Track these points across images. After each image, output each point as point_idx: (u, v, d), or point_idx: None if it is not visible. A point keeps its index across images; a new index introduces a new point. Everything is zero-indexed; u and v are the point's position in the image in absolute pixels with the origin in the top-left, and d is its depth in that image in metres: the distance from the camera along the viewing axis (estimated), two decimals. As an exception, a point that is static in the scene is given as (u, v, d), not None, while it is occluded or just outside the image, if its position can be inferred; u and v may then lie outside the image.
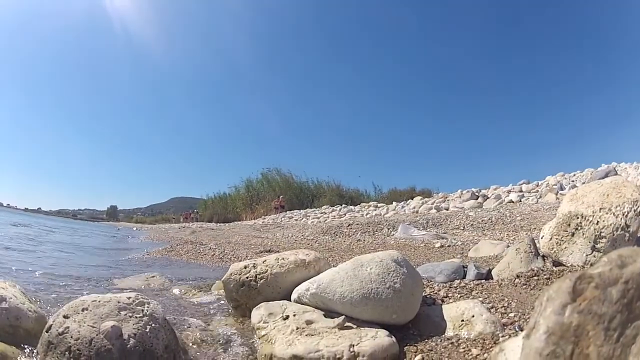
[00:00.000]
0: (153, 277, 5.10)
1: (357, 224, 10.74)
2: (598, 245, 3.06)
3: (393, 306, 2.38)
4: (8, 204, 79.37)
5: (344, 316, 2.39)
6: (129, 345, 2.01)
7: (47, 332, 2.07)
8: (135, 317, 2.16)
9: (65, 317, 2.09)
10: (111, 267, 6.82)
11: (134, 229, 29.24)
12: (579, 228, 3.17)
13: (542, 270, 3.02)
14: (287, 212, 24.20)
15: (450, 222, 9.78)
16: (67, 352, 1.96)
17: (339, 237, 9.82)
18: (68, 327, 2.03)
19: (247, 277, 3.13)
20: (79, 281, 5.09)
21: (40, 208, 78.83)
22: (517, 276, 2.99)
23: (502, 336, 2.16)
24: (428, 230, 9.08)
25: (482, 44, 69.38)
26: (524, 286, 2.84)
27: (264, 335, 2.46)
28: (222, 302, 3.68)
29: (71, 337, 2.00)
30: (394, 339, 2.22)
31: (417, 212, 14.70)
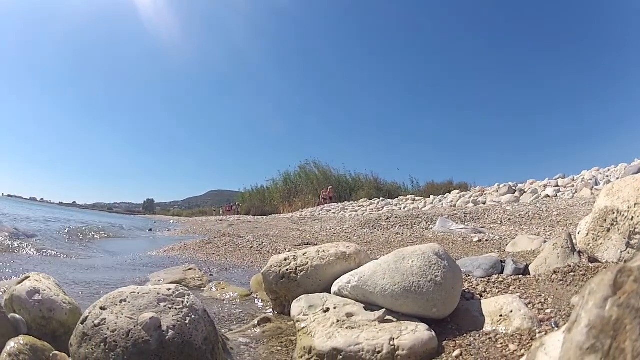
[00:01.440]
0: (190, 269, 5.11)
1: (396, 217, 10.68)
2: (632, 242, 2.98)
3: (434, 300, 2.39)
4: (42, 199, 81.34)
5: (384, 309, 2.41)
6: (167, 337, 2.00)
7: (82, 323, 2.06)
8: (175, 308, 2.15)
9: (102, 308, 2.09)
10: (145, 259, 6.97)
11: (171, 221, 29.56)
12: (615, 224, 3.10)
13: (578, 266, 2.98)
14: (325, 205, 24.25)
15: (487, 216, 9.66)
16: (102, 344, 1.95)
17: (378, 230, 9.79)
18: (105, 319, 2.02)
19: (287, 270, 3.15)
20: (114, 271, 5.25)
21: (75, 202, 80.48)
22: (554, 272, 2.96)
23: (539, 332, 2.16)
24: (466, 224, 8.99)
25: (517, 35, 67.79)
26: (561, 282, 2.81)
27: (303, 328, 2.46)
28: (260, 294, 3.74)
29: (107, 328, 1.98)
30: (433, 333, 2.23)
31: (454, 205, 14.55)
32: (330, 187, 27.55)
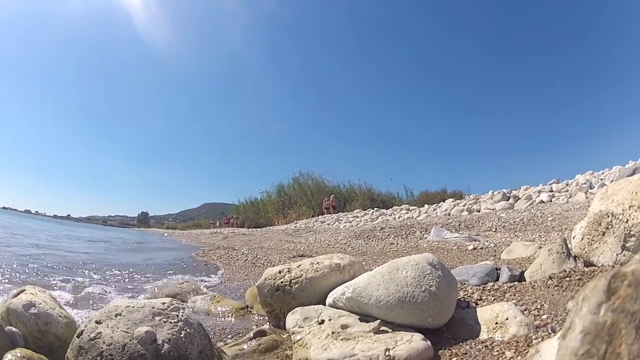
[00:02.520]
0: (185, 282, 5.08)
1: (390, 227, 10.70)
2: (628, 244, 2.97)
3: (429, 309, 2.38)
4: (37, 211, 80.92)
5: (379, 320, 2.41)
6: (163, 350, 2.01)
7: (78, 337, 2.07)
8: (170, 322, 2.16)
9: (98, 322, 2.10)
10: (140, 271, 6.93)
11: (165, 234, 29.44)
12: (610, 227, 3.10)
13: (573, 271, 2.98)
14: (326, 214, 24.27)
15: (482, 223, 9.67)
16: (98, 357, 1.96)
17: (372, 240, 9.79)
18: (100, 333, 2.04)
19: (281, 282, 3.15)
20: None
21: (69, 215, 79.87)
22: (550, 277, 2.96)
23: (536, 338, 2.15)
24: (460, 232, 9.01)
25: (507, 39, 68.04)
26: (557, 287, 2.81)
27: (299, 340, 2.46)
28: (255, 307, 3.72)
29: (103, 342, 2.00)
30: (429, 342, 2.22)
31: (449, 214, 14.57)
32: (333, 195, 27.53)
